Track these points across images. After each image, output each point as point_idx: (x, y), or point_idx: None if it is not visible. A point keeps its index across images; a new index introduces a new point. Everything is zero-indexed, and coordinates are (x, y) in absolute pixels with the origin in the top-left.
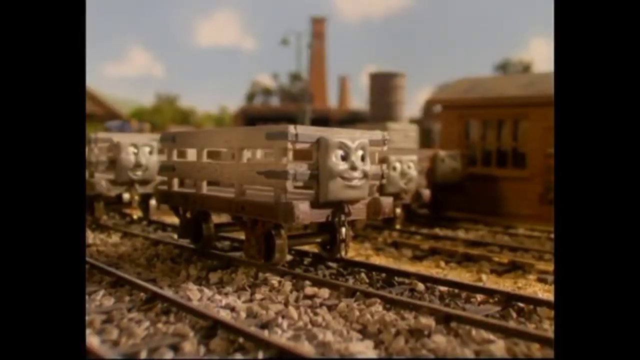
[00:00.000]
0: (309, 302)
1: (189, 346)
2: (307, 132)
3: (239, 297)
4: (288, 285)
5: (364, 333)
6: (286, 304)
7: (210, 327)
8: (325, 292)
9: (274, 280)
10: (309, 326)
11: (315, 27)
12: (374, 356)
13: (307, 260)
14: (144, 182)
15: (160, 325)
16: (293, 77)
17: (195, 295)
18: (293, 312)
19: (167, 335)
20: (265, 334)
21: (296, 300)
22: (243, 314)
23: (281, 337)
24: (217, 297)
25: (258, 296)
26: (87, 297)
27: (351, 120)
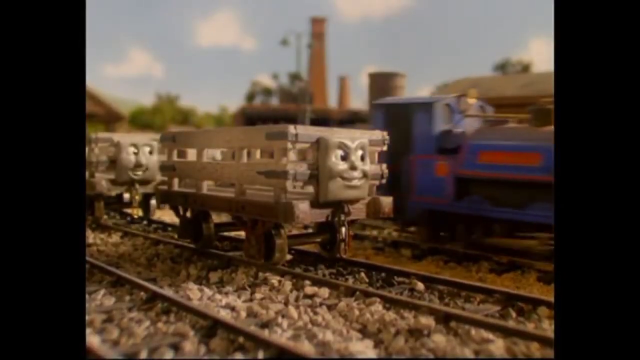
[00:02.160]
0: (309, 301)
1: (189, 345)
2: (306, 132)
3: (238, 297)
4: (288, 284)
5: (364, 332)
6: (286, 304)
7: (210, 327)
8: (325, 292)
9: (274, 279)
10: (309, 325)
11: (315, 27)
12: (374, 355)
13: (307, 260)
14: (144, 182)
15: (160, 324)
16: (293, 77)
17: (195, 294)
18: (293, 312)
19: (167, 334)
20: (266, 333)
21: (296, 300)
22: (243, 314)
23: (281, 336)
24: (217, 296)
25: (258, 296)
26: (87, 296)
27: (351, 120)
